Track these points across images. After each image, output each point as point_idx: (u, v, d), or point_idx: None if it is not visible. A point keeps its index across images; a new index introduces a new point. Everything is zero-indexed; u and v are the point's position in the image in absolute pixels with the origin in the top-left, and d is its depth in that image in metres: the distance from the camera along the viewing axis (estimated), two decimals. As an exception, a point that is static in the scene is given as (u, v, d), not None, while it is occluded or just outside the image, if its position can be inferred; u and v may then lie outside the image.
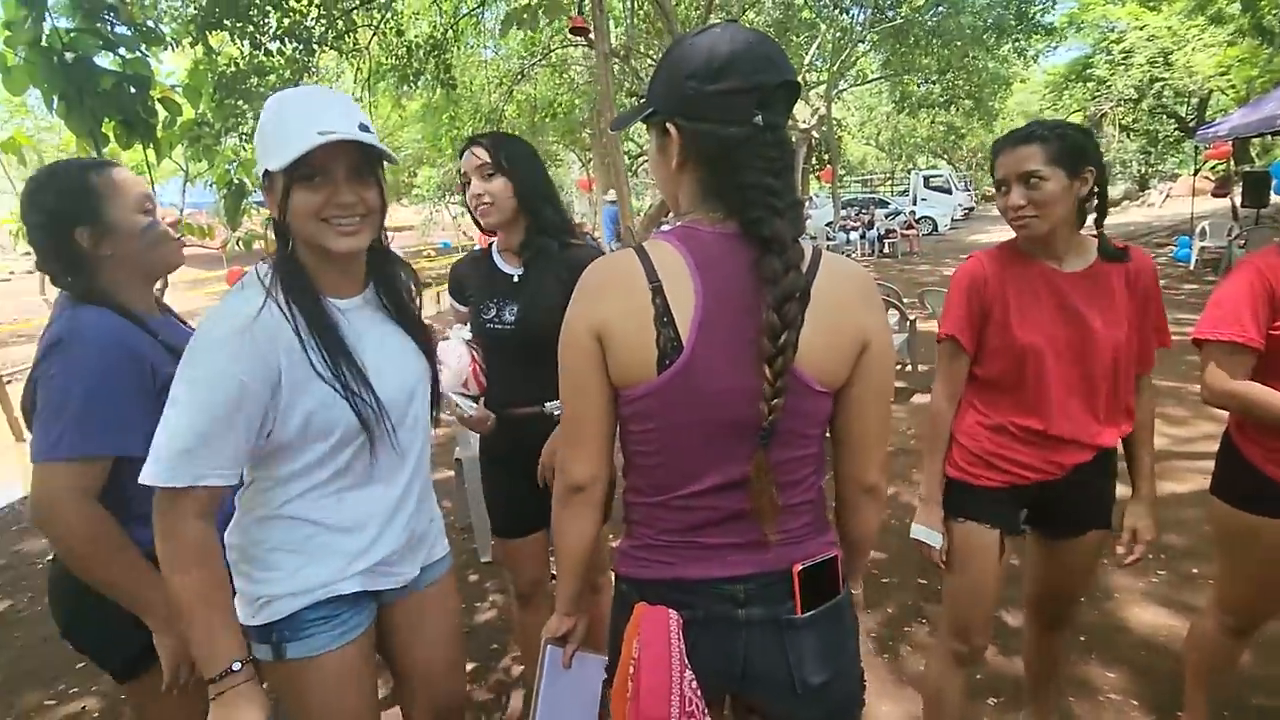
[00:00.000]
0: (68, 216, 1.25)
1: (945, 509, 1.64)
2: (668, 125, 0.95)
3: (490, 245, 1.79)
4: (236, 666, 1.02)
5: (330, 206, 1.05)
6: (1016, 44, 14.51)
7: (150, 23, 4.36)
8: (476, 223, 1.72)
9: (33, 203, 1.26)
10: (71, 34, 3.16)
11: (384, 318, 1.22)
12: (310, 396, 1.06)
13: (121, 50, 3.38)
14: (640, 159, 17.33)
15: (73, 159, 1.35)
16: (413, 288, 1.29)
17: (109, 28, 3.38)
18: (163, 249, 1.35)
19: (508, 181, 1.64)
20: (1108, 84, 19.98)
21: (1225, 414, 1.63)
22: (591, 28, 4.57)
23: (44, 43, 3.08)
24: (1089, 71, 21.01)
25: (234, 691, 1.01)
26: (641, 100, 1.02)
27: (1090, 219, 1.55)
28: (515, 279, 1.70)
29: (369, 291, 1.21)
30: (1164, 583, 2.69)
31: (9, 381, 7.94)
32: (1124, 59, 18.83)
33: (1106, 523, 1.65)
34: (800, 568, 0.97)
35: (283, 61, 8.05)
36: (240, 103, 7.73)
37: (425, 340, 1.27)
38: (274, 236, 1.10)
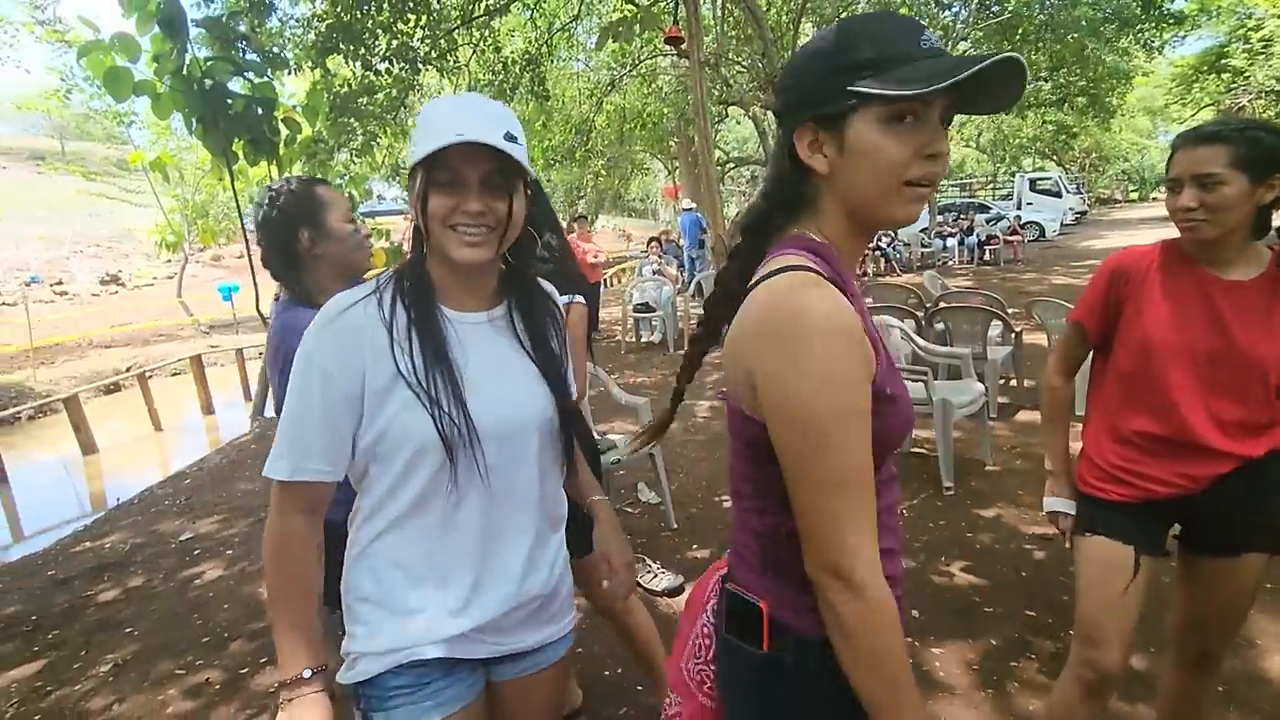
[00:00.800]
0: (296, 218, 1.54)
1: (1076, 524, 1.62)
2: None
3: None
4: (307, 674, 0.98)
5: (458, 213, 0.99)
6: (1140, 35, 13.40)
7: (276, 49, 4.75)
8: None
9: (271, 205, 1.55)
10: (209, 62, 3.49)
11: (510, 342, 1.10)
12: (393, 401, 0.98)
13: (250, 75, 3.70)
14: (729, 165, 17.21)
15: (300, 176, 1.64)
16: (554, 321, 1.20)
17: (241, 55, 3.71)
18: (361, 253, 1.63)
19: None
20: (1245, 75, 18.15)
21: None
22: (686, 37, 4.59)
23: (185, 71, 3.42)
24: (1223, 62, 19.15)
25: (300, 700, 0.97)
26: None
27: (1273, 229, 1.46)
28: None
29: (499, 312, 1.11)
30: (1318, 632, 2.39)
31: (151, 376, 8.81)
32: (1264, 47, 17.06)
33: (1270, 545, 1.51)
34: (725, 584, 0.95)
35: (389, 80, 8.57)
36: (351, 120, 8.28)
37: (557, 377, 1.13)
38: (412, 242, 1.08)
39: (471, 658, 1.07)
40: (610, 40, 4.55)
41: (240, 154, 3.78)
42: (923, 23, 0.85)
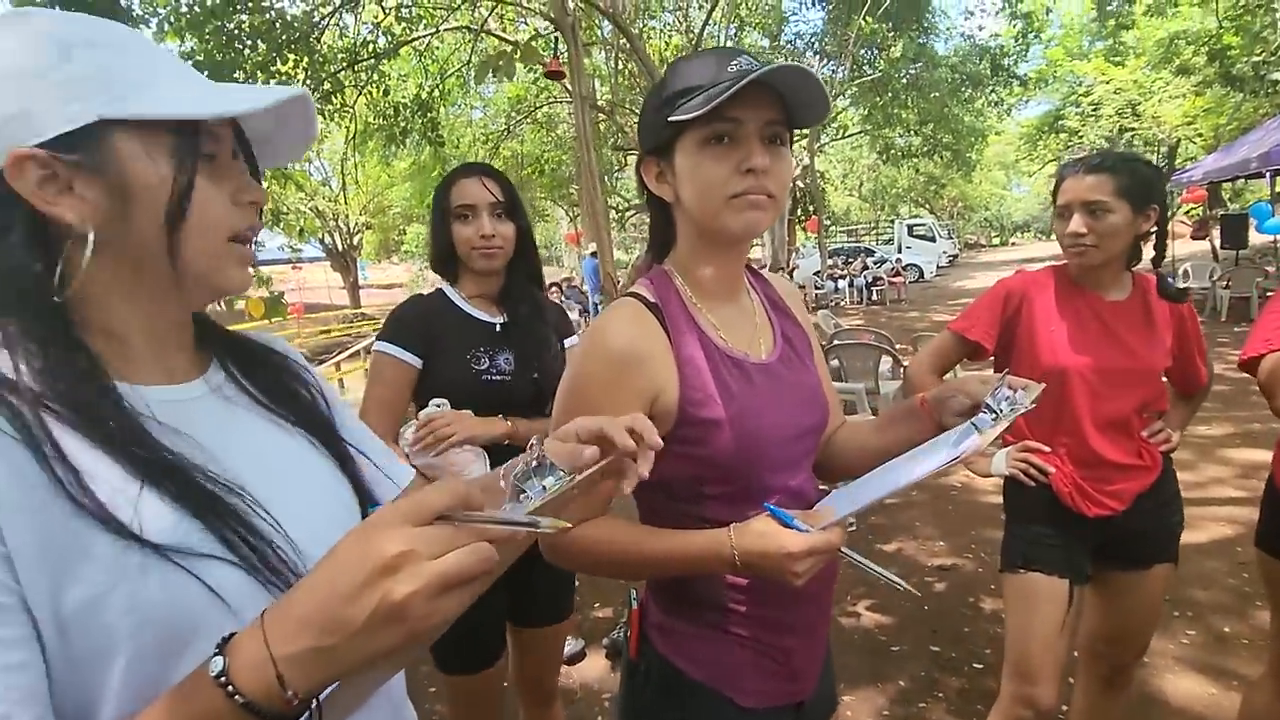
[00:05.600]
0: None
1: (1006, 561, 1.59)
2: None
3: (439, 291, 1.60)
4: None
5: (243, 209, 0.59)
6: (991, 95, 15.00)
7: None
8: (439, 264, 1.58)
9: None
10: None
11: (258, 412, 0.66)
12: (93, 570, 0.47)
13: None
14: (629, 212, 17.53)
15: None
16: (305, 383, 0.72)
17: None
18: None
19: (514, 226, 1.54)
20: (1079, 134, 20.61)
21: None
22: (567, 72, 4.56)
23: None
24: (1060, 123, 21.72)
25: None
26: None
27: (1147, 257, 1.58)
28: (498, 327, 1.54)
29: (218, 378, 0.65)
30: (1195, 645, 2.48)
31: None
32: (1093, 111, 19.47)
33: (1173, 555, 1.60)
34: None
35: (269, 121, 8.10)
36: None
37: (352, 462, 0.70)
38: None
39: None
40: (490, 76, 4.47)
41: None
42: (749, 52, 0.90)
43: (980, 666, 2.42)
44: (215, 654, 0.41)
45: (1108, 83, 18.63)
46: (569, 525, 0.47)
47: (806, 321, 1.09)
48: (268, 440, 0.64)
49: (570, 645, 2.68)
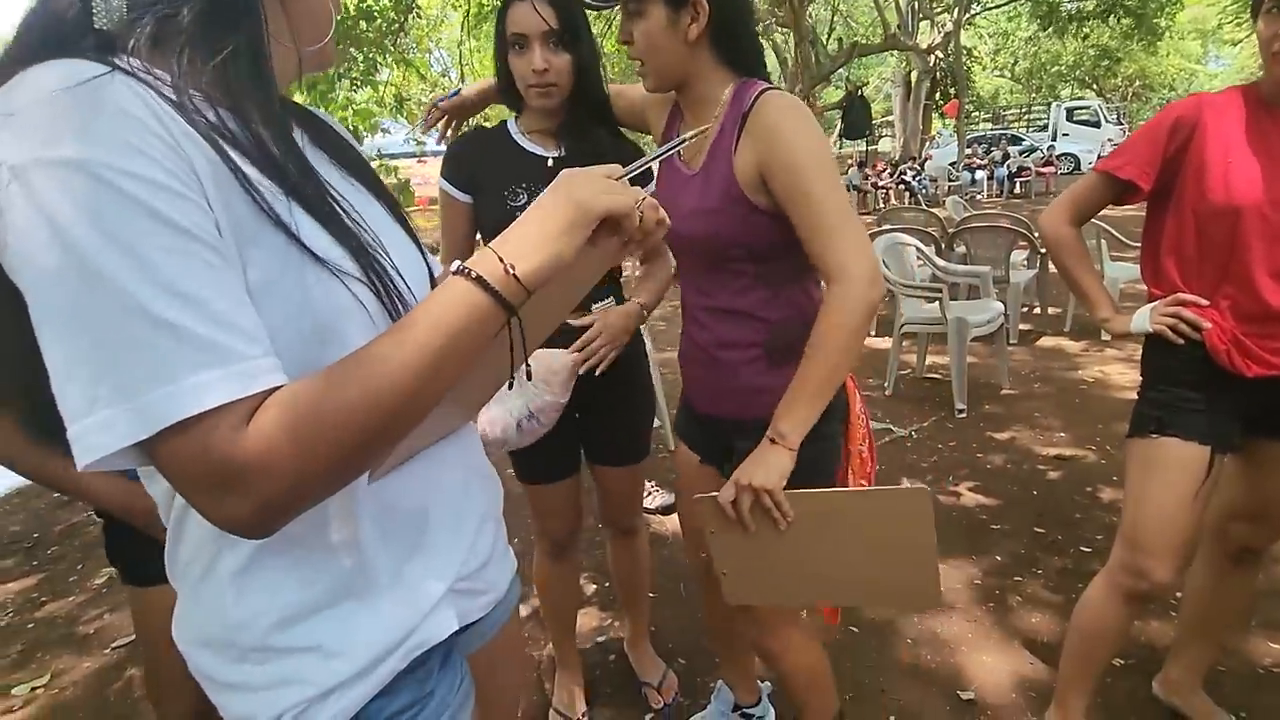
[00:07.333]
0: None
1: (1137, 426, 1.40)
2: None
3: (503, 124, 1.52)
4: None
5: None
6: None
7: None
8: (512, 96, 1.45)
9: None
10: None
11: (340, 171, 0.68)
12: (260, 259, 0.53)
13: None
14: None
15: None
16: (356, 145, 0.76)
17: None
18: None
19: (572, 57, 1.36)
20: (1311, -12, 16.79)
21: None
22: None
23: None
24: (1287, -26, 17.73)
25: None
26: None
27: None
28: (550, 162, 1.44)
29: (299, 131, 0.65)
30: (1352, 551, 2.23)
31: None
32: (1335, -45, 15.70)
33: None
34: None
35: (389, 4, 8.20)
36: (350, 48, 7.97)
37: (403, 214, 0.75)
38: None
39: (463, 624, 0.71)
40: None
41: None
42: None
43: (1088, 550, 2.32)
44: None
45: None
46: (702, 130, 0.84)
47: (758, 157, 1.10)
48: (356, 196, 0.67)
49: (663, 498, 2.84)
